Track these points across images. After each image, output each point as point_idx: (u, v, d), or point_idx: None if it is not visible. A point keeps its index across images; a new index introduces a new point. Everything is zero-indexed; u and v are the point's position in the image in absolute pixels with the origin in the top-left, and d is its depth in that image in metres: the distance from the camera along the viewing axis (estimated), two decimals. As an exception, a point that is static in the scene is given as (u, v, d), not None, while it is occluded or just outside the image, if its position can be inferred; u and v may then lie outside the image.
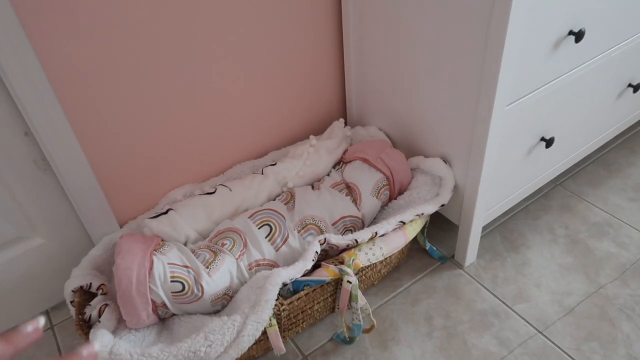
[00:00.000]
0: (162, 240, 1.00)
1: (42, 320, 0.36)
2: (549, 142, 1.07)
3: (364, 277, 1.05)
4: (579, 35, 0.93)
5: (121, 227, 1.10)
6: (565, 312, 1.06)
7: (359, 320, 0.97)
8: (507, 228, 1.26)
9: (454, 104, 0.99)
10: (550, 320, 1.04)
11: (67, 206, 1.04)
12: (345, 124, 1.36)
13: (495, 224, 1.27)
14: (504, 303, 1.09)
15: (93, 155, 1.00)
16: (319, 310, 1.00)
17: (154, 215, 1.05)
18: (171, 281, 0.89)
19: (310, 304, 0.96)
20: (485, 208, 1.09)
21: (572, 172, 1.41)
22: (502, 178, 1.07)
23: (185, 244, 1.04)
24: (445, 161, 1.08)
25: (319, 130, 1.34)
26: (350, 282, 0.93)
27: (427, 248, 1.19)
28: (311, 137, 1.23)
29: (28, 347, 0.35)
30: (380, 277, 1.12)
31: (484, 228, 1.25)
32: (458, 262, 1.18)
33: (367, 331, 1.01)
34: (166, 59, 0.99)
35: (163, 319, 0.95)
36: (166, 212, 1.05)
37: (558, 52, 0.94)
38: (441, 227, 1.27)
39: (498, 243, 1.22)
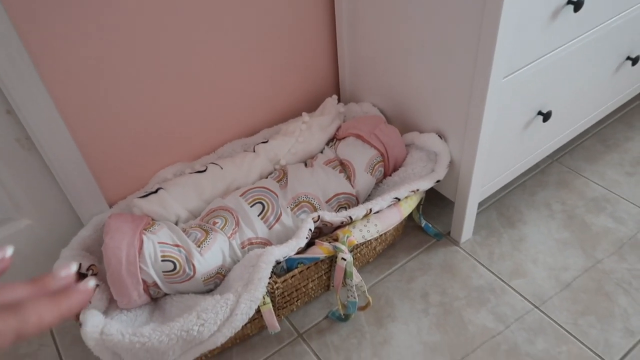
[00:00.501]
0: (152, 219, 0.98)
1: (9, 250, 0.33)
2: (546, 116, 1.05)
3: (358, 254, 1.03)
4: (577, 4, 0.90)
5: (110, 207, 1.07)
6: (562, 287, 1.05)
7: (354, 298, 0.95)
8: (503, 204, 1.25)
9: (449, 77, 0.96)
10: (547, 295, 1.04)
11: (54, 186, 1.02)
12: (339, 100, 1.33)
13: (491, 200, 1.26)
14: (500, 279, 1.08)
15: (79, 134, 0.97)
16: (314, 288, 0.99)
17: (144, 194, 1.03)
18: (162, 260, 0.87)
19: (304, 281, 0.95)
20: (481, 184, 1.07)
21: (569, 147, 1.39)
22: (498, 153, 1.05)
23: (176, 223, 1.02)
24: (440, 136, 1.06)
25: (312, 107, 1.31)
26: (345, 259, 0.91)
27: (423, 225, 1.17)
28: (304, 114, 1.21)
29: None
30: (376, 255, 1.11)
31: (480, 204, 1.23)
32: (454, 238, 1.17)
33: (362, 309, 1.00)
34: (154, 36, 0.96)
35: (155, 298, 0.94)
36: (156, 191, 1.03)
37: (556, 22, 0.92)
38: (437, 204, 1.26)
39: (494, 219, 1.21)
